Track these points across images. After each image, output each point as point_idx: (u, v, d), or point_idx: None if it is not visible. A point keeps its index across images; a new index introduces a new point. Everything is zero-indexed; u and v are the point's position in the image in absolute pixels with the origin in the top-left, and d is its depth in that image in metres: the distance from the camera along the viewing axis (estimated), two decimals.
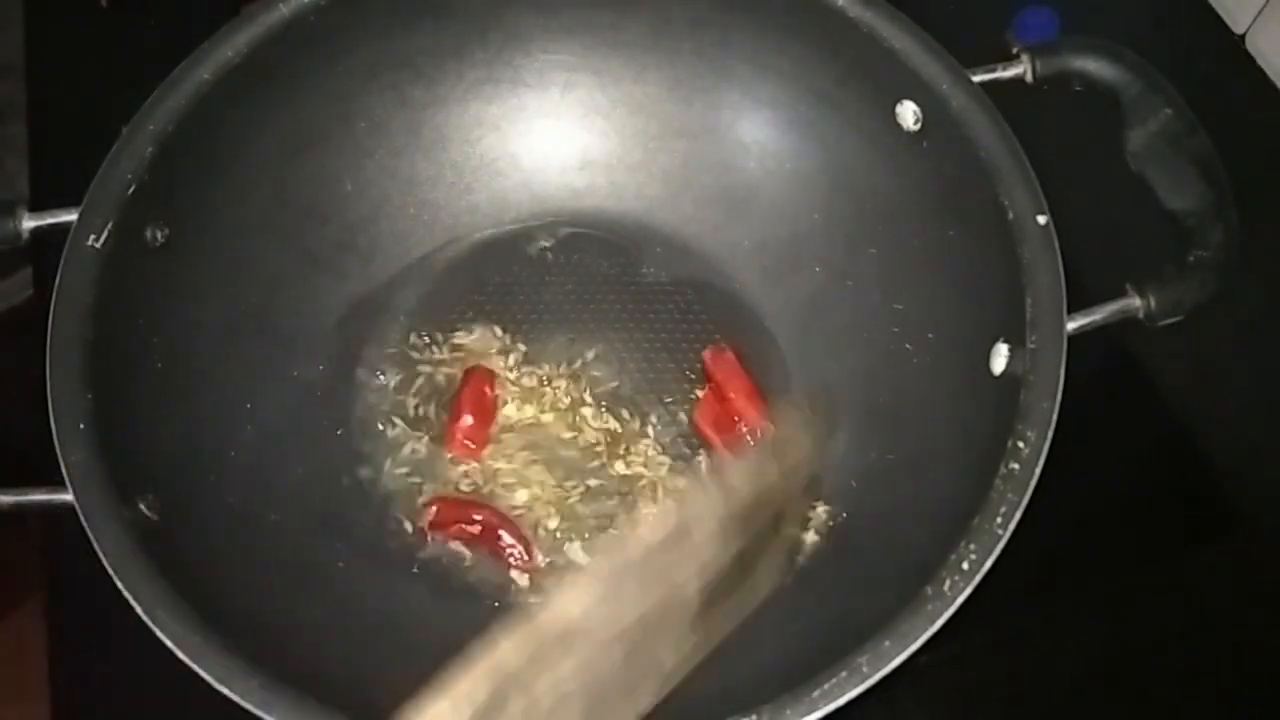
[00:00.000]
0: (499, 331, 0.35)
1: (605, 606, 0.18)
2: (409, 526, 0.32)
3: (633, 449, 0.33)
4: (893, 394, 0.32)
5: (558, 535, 0.32)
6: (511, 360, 0.34)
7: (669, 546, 0.19)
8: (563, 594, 0.18)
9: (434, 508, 0.32)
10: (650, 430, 0.33)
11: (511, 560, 0.31)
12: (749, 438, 0.33)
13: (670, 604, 0.19)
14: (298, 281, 0.34)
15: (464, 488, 0.32)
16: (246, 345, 0.32)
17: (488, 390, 0.33)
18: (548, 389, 0.34)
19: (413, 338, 0.35)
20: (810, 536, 0.31)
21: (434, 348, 0.35)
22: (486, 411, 0.33)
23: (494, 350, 0.35)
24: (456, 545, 0.31)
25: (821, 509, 0.31)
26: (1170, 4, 0.45)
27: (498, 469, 0.33)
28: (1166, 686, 0.32)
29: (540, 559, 0.31)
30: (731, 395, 0.33)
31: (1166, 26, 0.44)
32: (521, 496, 0.32)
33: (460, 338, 0.35)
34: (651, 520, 0.19)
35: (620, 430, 0.33)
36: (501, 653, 0.17)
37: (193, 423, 0.30)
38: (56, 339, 0.27)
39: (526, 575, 0.31)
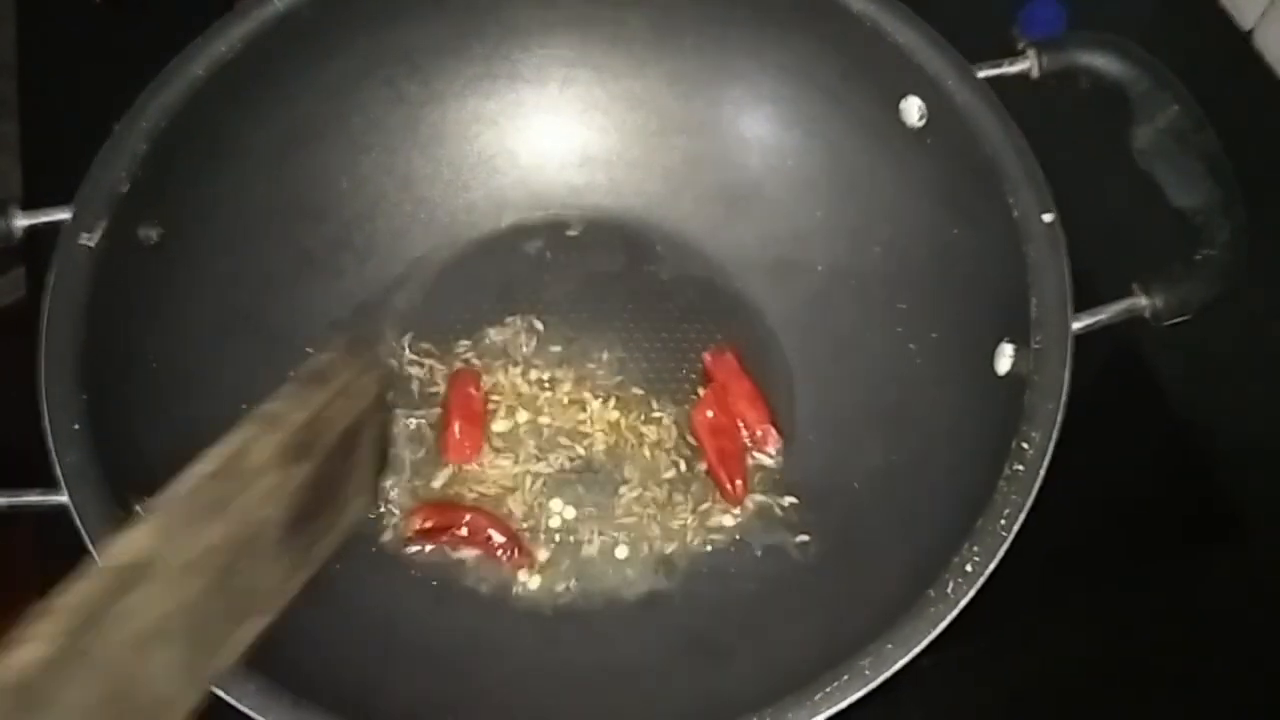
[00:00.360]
0: (532, 325, 0.35)
1: (169, 541, 0.19)
2: (404, 529, 0.32)
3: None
4: (896, 394, 0.32)
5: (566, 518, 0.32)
6: (524, 355, 0.34)
7: (225, 477, 0.20)
8: (120, 538, 0.19)
9: (421, 516, 0.31)
10: (652, 430, 0.33)
11: (503, 558, 0.31)
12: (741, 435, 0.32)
13: (248, 530, 0.20)
14: (293, 280, 0.34)
15: (457, 488, 0.32)
16: (241, 344, 0.32)
17: (474, 391, 0.33)
18: (548, 391, 0.34)
19: (412, 337, 0.35)
20: (801, 538, 0.31)
21: (435, 346, 0.35)
22: (475, 414, 0.33)
23: (518, 348, 0.34)
24: (450, 547, 0.31)
25: (788, 500, 0.31)
26: (1177, 0, 0.45)
27: (501, 468, 0.32)
28: (1170, 687, 0.32)
29: (541, 554, 0.31)
30: (731, 397, 0.33)
31: (1173, 22, 0.43)
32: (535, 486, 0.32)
33: (489, 335, 0.34)
34: (201, 456, 0.20)
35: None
36: (76, 590, 0.17)
37: (188, 423, 0.29)
38: (50, 339, 0.27)
39: (522, 570, 0.31)
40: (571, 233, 0.37)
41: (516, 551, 0.31)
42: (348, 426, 0.23)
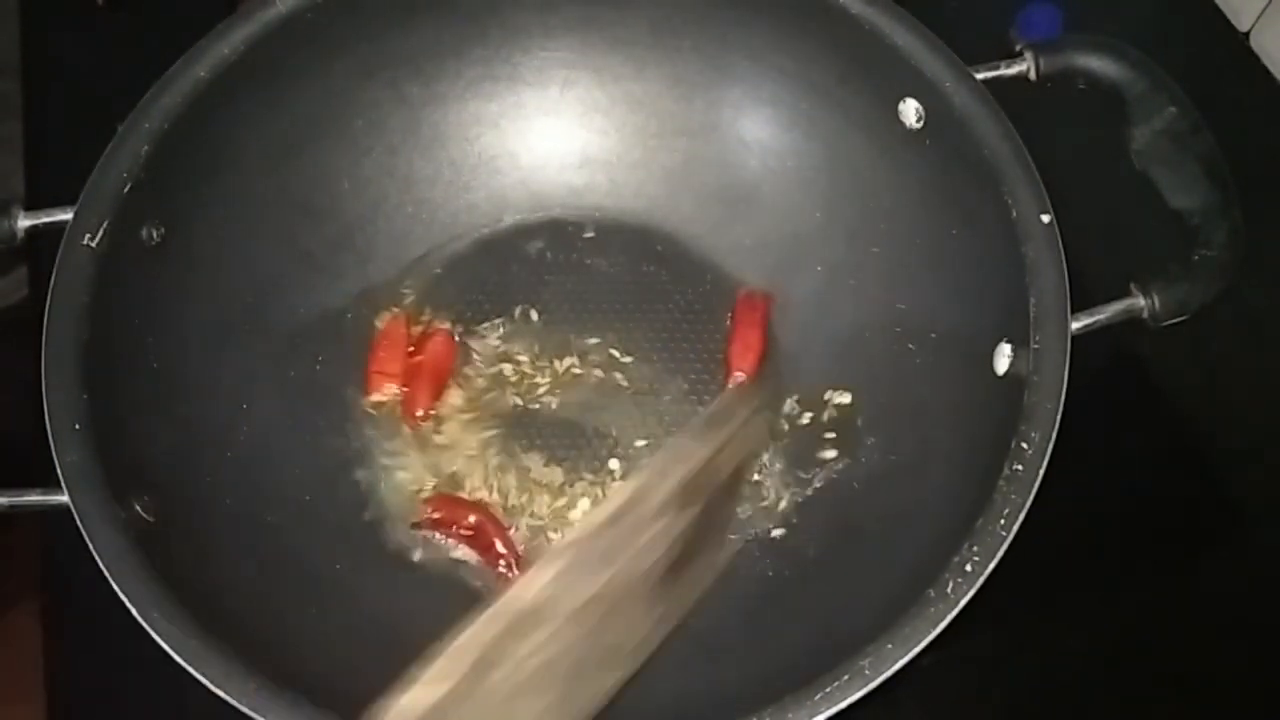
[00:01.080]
0: (532, 325, 0.35)
1: (567, 582, 0.19)
2: (406, 527, 0.32)
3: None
4: (895, 394, 0.32)
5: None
6: (524, 354, 0.34)
7: (621, 522, 0.20)
8: (525, 574, 0.19)
9: (431, 506, 0.31)
10: (652, 429, 0.33)
11: (500, 569, 0.31)
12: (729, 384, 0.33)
13: (630, 578, 0.20)
14: (295, 281, 0.34)
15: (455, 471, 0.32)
16: (243, 345, 0.32)
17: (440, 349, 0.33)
18: (546, 389, 0.34)
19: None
20: (801, 537, 0.31)
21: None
22: (440, 376, 0.33)
23: (517, 347, 0.34)
24: (454, 547, 0.31)
25: (788, 499, 0.31)
26: (1174, 2, 0.45)
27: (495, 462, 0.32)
28: (1170, 687, 0.32)
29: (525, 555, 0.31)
30: (734, 334, 0.34)
31: (1170, 24, 0.44)
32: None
33: (488, 335, 0.34)
34: (603, 500, 0.20)
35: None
36: (474, 631, 0.18)
37: (189, 423, 0.29)
38: (52, 339, 0.27)
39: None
40: (571, 233, 0.37)
41: (514, 565, 0.30)
42: (735, 469, 0.23)
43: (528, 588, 0.18)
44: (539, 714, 0.18)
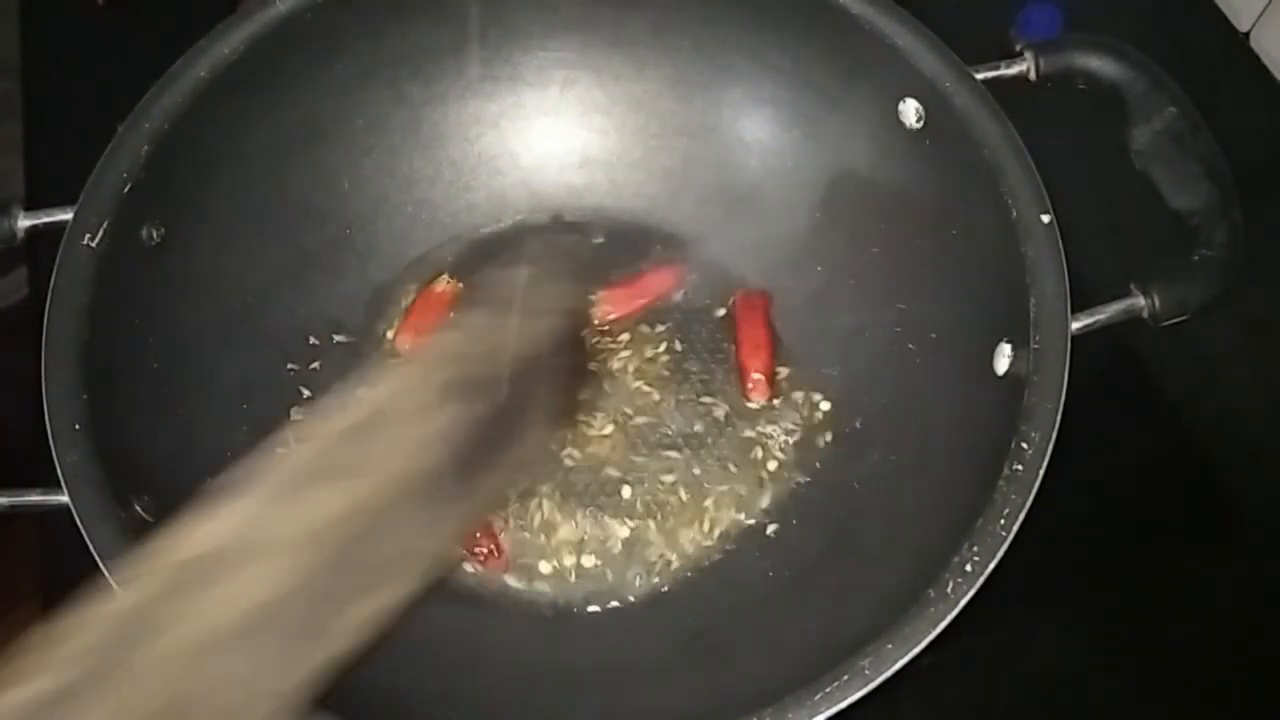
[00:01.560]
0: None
1: (280, 512, 0.16)
2: None
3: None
4: (895, 394, 0.32)
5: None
6: None
7: (369, 431, 0.17)
8: (206, 518, 0.16)
9: None
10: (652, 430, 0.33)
11: (479, 554, 0.30)
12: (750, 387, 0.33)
13: (400, 483, 0.17)
14: (295, 281, 0.34)
15: None
16: (243, 345, 0.32)
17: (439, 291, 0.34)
18: None
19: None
20: (801, 536, 0.31)
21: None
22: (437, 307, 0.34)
23: None
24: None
25: (787, 499, 0.31)
26: (1174, 2, 0.45)
27: None
28: (1169, 687, 0.32)
29: (535, 557, 0.31)
30: (741, 339, 0.34)
31: (1170, 24, 0.44)
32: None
33: None
34: (333, 412, 0.17)
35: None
36: (115, 601, 0.15)
37: (189, 423, 0.29)
38: (52, 339, 0.27)
39: (514, 575, 0.31)
40: (571, 234, 0.37)
41: (494, 551, 0.30)
42: (535, 349, 0.19)
43: (217, 528, 0.15)
44: (258, 664, 0.15)
